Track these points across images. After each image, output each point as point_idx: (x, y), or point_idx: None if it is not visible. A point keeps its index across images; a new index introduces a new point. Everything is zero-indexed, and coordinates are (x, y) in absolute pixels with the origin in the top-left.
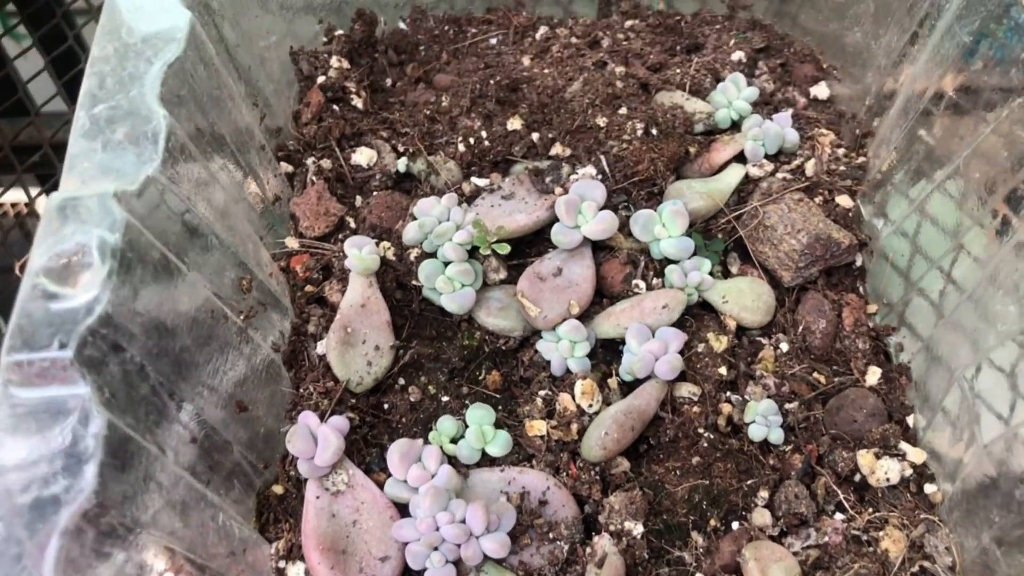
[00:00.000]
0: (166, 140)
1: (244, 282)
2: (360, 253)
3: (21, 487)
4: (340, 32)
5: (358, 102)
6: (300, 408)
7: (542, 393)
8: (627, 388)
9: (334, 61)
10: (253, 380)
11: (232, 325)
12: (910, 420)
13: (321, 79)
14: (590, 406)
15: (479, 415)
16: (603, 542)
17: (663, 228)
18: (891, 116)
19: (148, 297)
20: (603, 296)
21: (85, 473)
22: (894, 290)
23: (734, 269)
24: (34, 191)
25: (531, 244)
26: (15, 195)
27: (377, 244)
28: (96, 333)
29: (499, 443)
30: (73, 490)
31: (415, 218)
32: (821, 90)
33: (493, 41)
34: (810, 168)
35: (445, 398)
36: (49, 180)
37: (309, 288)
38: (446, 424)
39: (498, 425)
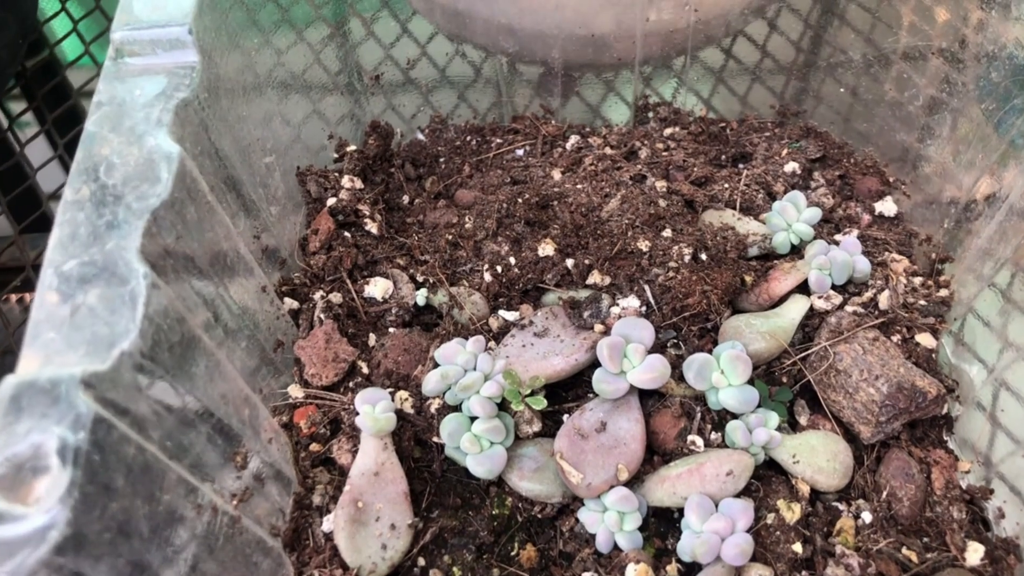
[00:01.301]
0: (145, 306)
1: (238, 458)
2: (374, 412)
3: None
4: (352, 148)
5: (372, 227)
6: None
7: None
8: (686, 570)
9: (346, 181)
10: None
11: (222, 516)
12: None
13: (331, 201)
14: None
15: None
16: None
17: (722, 376)
18: (979, 244)
19: (119, 504)
20: (655, 453)
21: None
22: (989, 446)
23: (803, 420)
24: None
25: (569, 387)
26: None
27: (393, 395)
28: (51, 565)
29: None
30: None
31: (436, 363)
32: (888, 206)
33: (520, 152)
34: (884, 301)
35: None
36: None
37: (315, 447)
38: None
39: None
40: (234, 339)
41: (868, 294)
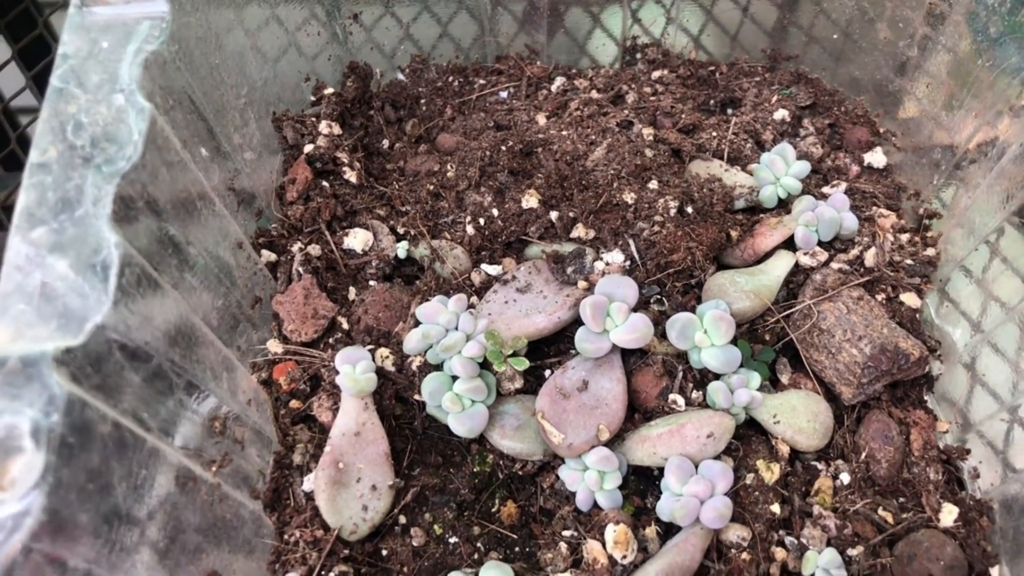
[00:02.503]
0: (119, 275)
1: (216, 424)
2: (354, 372)
3: None
4: (330, 91)
5: (351, 175)
6: (284, 560)
7: (566, 534)
8: (665, 529)
9: (323, 126)
10: (229, 541)
11: (202, 485)
12: (994, 572)
13: (308, 148)
14: (624, 557)
15: None
16: None
17: (705, 336)
18: (970, 202)
19: (96, 484)
20: (635, 411)
21: None
22: (967, 407)
23: (785, 378)
24: None
25: (551, 342)
26: None
27: (373, 352)
28: (28, 551)
29: None
30: None
31: (417, 321)
32: (877, 158)
33: (504, 95)
34: (870, 258)
35: (453, 539)
36: None
37: (295, 404)
38: None
39: None
40: (210, 295)
41: (854, 251)
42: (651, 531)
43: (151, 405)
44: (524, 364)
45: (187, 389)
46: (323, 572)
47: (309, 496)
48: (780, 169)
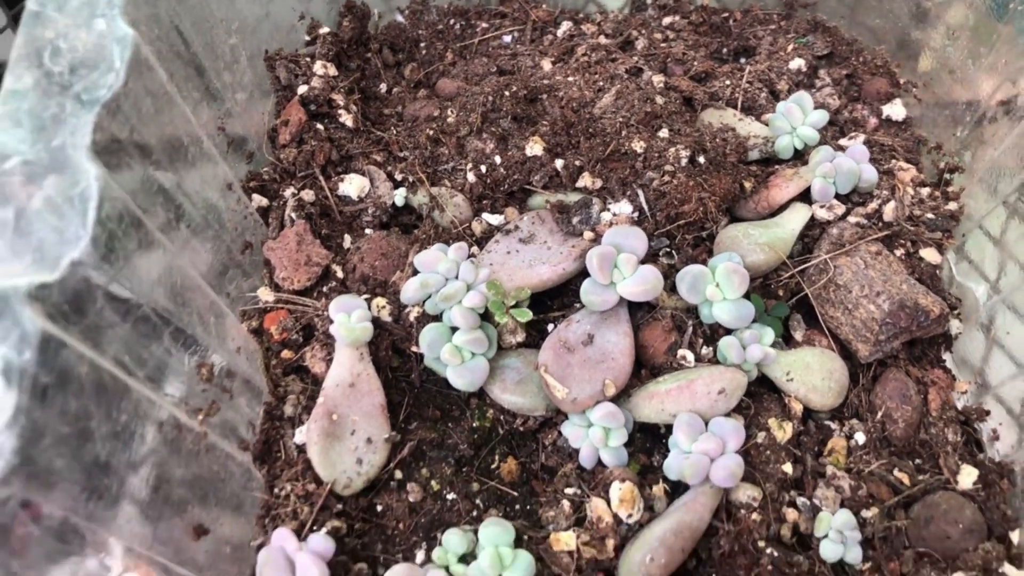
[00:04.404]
0: (98, 208)
1: (203, 370)
2: (349, 321)
3: None
4: (325, 31)
5: (347, 118)
6: (274, 515)
7: (569, 492)
8: (672, 488)
9: (318, 67)
10: (216, 494)
11: (188, 434)
12: (1014, 536)
13: (303, 89)
14: (629, 515)
15: (494, 533)
16: None
17: (716, 289)
18: (994, 157)
19: (72, 427)
20: (643, 367)
21: None
22: (986, 366)
23: (799, 335)
24: None
25: (555, 295)
26: None
27: (369, 302)
28: (5, 488)
29: (520, 568)
30: None
31: (415, 270)
32: (896, 110)
33: (507, 39)
34: (889, 212)
35: (451, 496)
36: None
37: (286, 354)
38: (453, 540)
39: (517, 541)
40: (198, 240)
41: (872, 205)
42: (658, 489)
43: (134, 349)
44: (527, 316)
45: (173, 335)
46: (315, 527)
47: (301, 449)
48: (797, 118)
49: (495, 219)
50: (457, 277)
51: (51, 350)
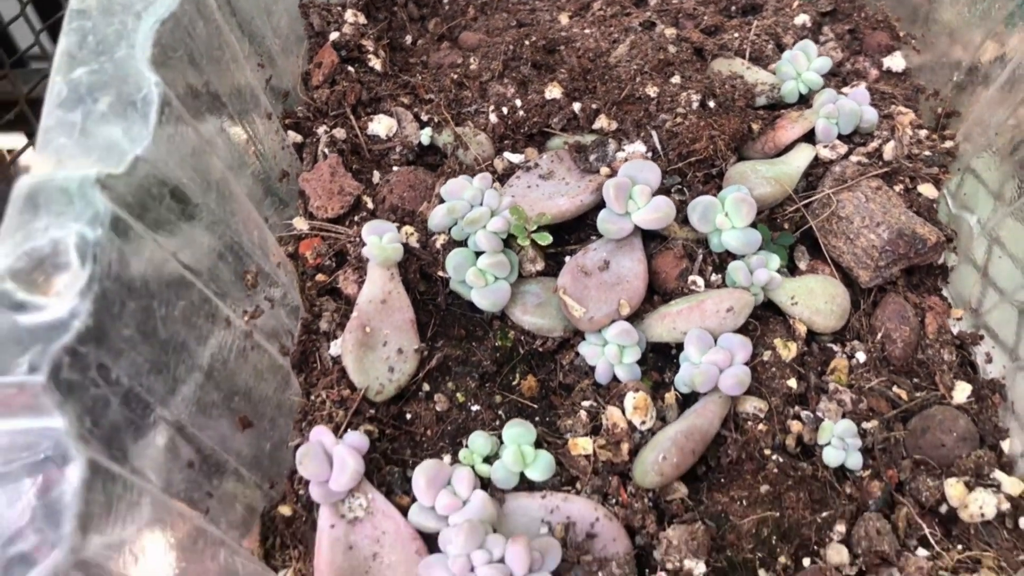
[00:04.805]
0: (159, 112)
1: (248, 277)
2: (380, 242)
3: None
4: None
5: (376, 63)
6: (312, 419)
7: (585, 404)
8: (684, 400)
9: (349, 15)
10: (258, 391)
11: (235, 330)
12: (1005, 445)
13: (334, 35)
14: (643, 423)
15: (517, 433)
16: None
17: (725, 218)
18: (987, 97)
19: (137, 303)
20: (655, 293)
21: (61, 526)
22: (981, 295)
23: (803, 265)
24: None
25: (572, 230)
26: None
27: (399, 229)
28: (74, 353)
29: (540, 466)
30: (46, 547)
31: (442, 200)
32: (896, 61)
33: None
34: (889, 151)
35: (475, 407)
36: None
37: (320, 277)
38: (479, 441)
39: (538, 444)
40: (240, 161)
41: (873, 144)
42: (670, 397)
43: (189, 246)
44: (547, 239)
45: (222, 237)
46: (348, 430)
47: (336, 360)
48: (802, 64)
49: (516, 158)
50: (482, 203)
51: (119, 230)
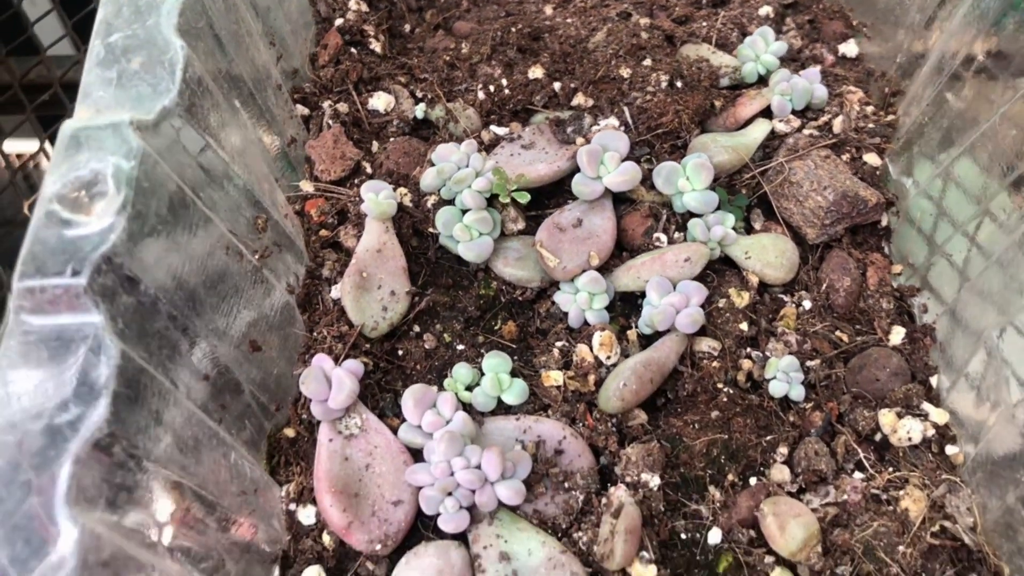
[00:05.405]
0: (183, 72)
1: (259, 221)
2: (377, 197)
3: (32, 415)
4: None
5: (376, 46)
6: (314, 352)
7: (559, 344)
8: (646, 342)
9: (352, 3)
10: (267, 320)
11: (247, 264)
12: (933, 381)
13: (339, 21)
14: (608, 358)
15: (495, 363)
16: (619, 493)
17: (687, 181)
18: (922, 76)
19: (163, 230)
20: (623, 249)
21: (98, 402)
22: (919, 252)
23: (757, 226)
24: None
25: (550, 196)
26: (21, 146)
27: (394, 190)
28: (110, 262)
29: (515, 391)
30: (85, 419)
31: (433, 164)
32: (850, 48)
33: None
34: (838, 125)
35: (460, 346)
36: (57, 122)
37: (324, 232)
38: (462, 371)
39: (514, 374)
40: (254, 119)
41: (824, 119)
42: (633, 335)
43: (207, 186)
44: (526, 197)
45: (236, 183)
46: (346, 360)
47: (336, 302)
48: (761, 48)
49: (501, 131)
50: (468, 165)
51: (149, 164)
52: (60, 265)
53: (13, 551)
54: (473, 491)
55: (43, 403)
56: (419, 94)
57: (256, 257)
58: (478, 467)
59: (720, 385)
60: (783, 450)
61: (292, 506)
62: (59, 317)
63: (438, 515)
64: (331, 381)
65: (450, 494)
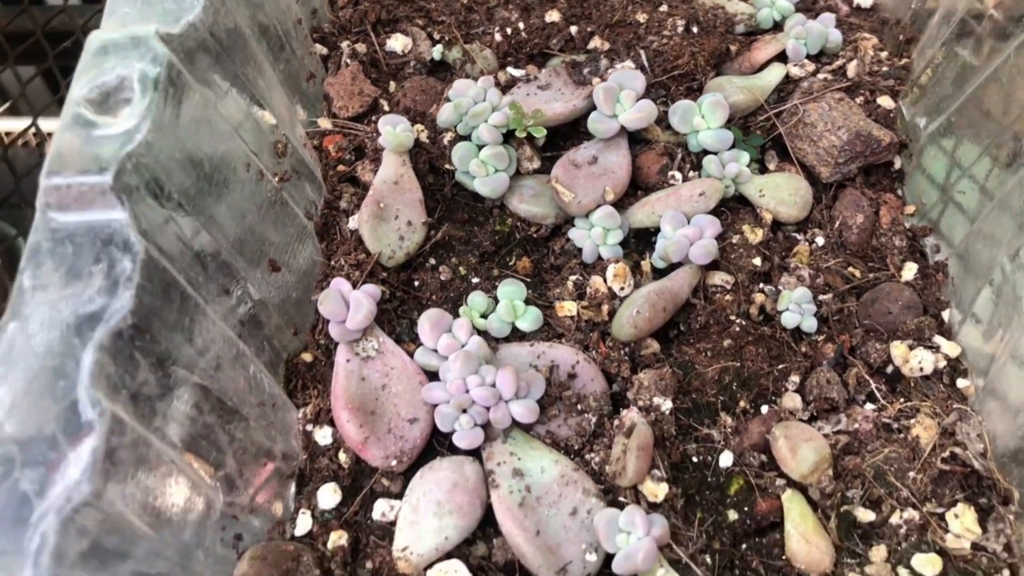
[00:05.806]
0: None
1: (279, 145)
2: (395, 130)
3: (59, 307)
4: None
5: None
6: (332, 279)
7: (573, 278)
8: (659, 275)
9: None
10: (286, 242)
11: (267, 184)
12: (945, 315)
13: None
14: (622, 289)
15: (510, 290)
16: (632, 414)
17: (702, 119)
18: (933, 23)
19: (187, 138)
20: (638, 187)
21: (122, 294)
22: (930, 195)
23: (772, 166)
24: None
25: (566, 136)
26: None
27: (412, 126)
28: (136, 161)
29: (529, 318)
30: (111, 309)
31: (450, 101)
32: None
33: None
34: (852, 69)
35: (475, 279)
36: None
37: (342, 168)
38: (477, 299)
39: (528, 303)
40: (275, 51)
41: (838, 63)
42: (646, 267)
43: (228, 100)
44: (542, 132)
45: (255, 100)
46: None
47: (353, 232)
48: None
49: (518, 72)
50: (485, 100)
51: (173, 74)
52: (86, 163)
53: (41, 431)
54: (488, 408)
55: (70, 295)
56: (436, 36)
57: (276, 179)
58: (493, 385)
59: (733, 317)
60: (795, 379)
61: (309, 427)
62: (85, 213)
63: (453, 432)
64: (349, 303)
65: (465, 411)
